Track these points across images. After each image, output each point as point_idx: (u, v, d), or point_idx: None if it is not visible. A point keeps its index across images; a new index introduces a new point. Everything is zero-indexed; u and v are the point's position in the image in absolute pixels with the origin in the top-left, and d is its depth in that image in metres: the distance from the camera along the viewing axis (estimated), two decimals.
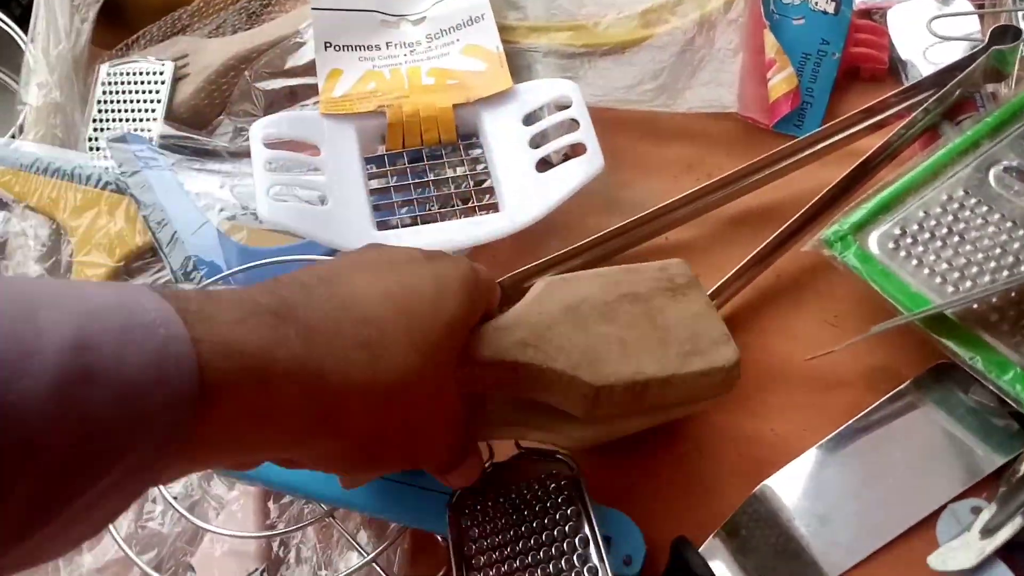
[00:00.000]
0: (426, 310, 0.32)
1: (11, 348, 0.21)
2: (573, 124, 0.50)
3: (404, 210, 0.50)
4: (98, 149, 0.55)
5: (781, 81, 0.51)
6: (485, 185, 0.51)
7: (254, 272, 0.48)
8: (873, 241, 0.43)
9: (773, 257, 0.47)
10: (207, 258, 0.50)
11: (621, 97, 0.53)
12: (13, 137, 0.55)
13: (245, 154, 0.53)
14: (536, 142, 0.51)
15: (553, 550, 0.36)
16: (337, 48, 0.54)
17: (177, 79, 0.57)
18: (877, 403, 0.43)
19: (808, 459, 0.42)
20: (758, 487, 0.42)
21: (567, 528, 0.36)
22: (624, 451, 0.43)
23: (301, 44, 0.55)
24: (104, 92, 0.57)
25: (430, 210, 0.51)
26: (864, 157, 0.47)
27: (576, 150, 0.50)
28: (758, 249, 0.46)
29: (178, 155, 0.54)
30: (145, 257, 0.51)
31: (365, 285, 0.31)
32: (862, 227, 0.44)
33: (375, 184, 0.51)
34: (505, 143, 0.51)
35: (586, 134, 0.49)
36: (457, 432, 0.35)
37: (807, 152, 0.49)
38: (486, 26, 0.54)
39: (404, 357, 0.30)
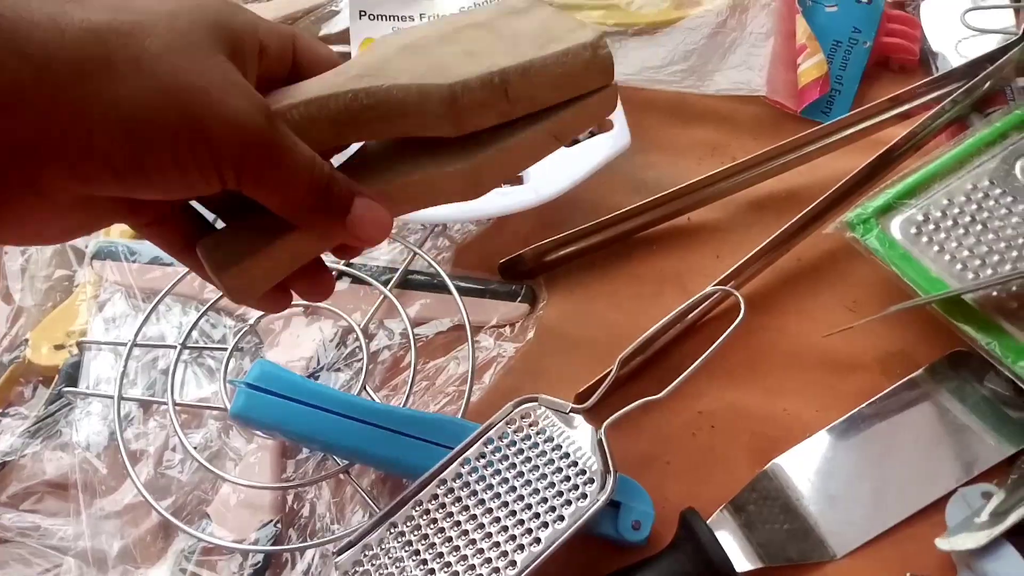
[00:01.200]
0: None
1: None
2: None
3: None
4: None
5: (811, 67, 0.51)
6: None
7: None
8: (896, 226, 0.43)
9: (794, 241, 0.47)
10: None
11: (650, 77, 0.53)
12: None
13: None
14: None
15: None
16: (372, 17, 0.55)
17: None
18: (891, 388, 0.43)
19: (820, 439, 0.43)
20: (768, 464, 0.42)
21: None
22: (637, 422, 0.43)
23: (336, 12, 0.56)
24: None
25: None
26: (889, 145, 0.47)
27: (603, 126, 0.50)
28: (779, 231, 0.47)
29: None
30: None
31: None
32: (885, 211, 0.44)
33: None
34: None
35: (615, 110, 0.50)
36: (255, 103, 0.28)
37: (833, 138, 0.50)
38: None
39: (113, 12, 0.26)
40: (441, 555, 0.36)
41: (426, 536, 0.37)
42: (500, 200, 0.49)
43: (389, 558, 0.37)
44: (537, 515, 0.36)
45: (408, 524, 0.38)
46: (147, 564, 0.43)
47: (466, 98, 0.31)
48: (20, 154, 0.25)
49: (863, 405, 0.43)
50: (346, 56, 0.56)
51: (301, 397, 0.41)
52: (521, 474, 0.38)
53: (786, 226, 0.46)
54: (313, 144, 0.30)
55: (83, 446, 0.45)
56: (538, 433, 0.39)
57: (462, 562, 0.36)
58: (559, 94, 0.33)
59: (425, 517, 0.38)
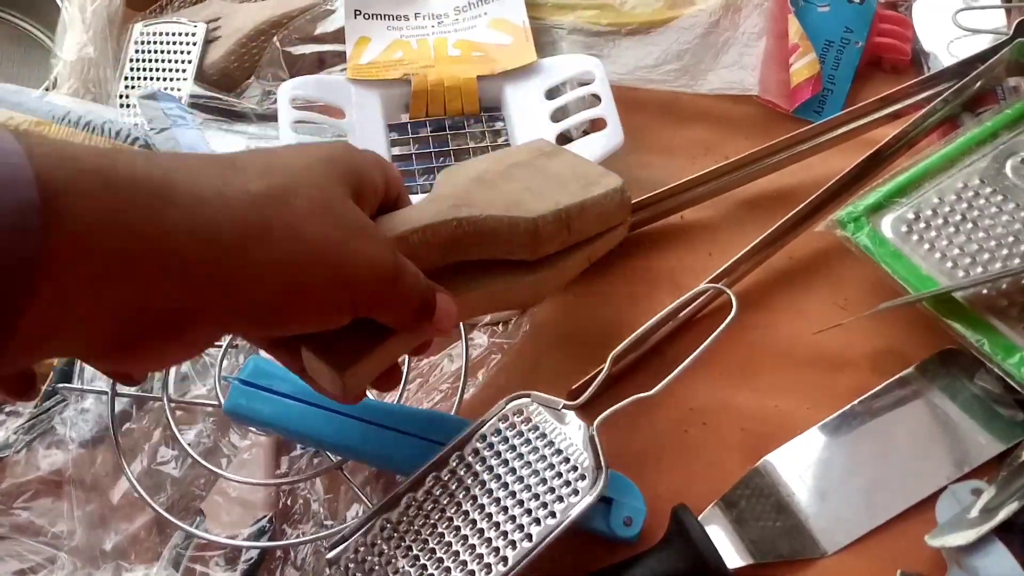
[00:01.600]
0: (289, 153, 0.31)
1: None
2: (595, 100, 0.51)
3: (424, 178, 0.51)
4: (129, 106, 0.57)
5: (803, 67, 0.51)
6: None
7: None
8: (887, 224, 0.44)
9: (786, 239, 0.47)
10: None
11: (643, 76, 0.53)
12: (47, 90, 0.56)
13: (272, 117, 0.54)
14: (557, 116, 0.52)
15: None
16: (367, 16, 0.55)
17: (208, 41, 0.58)
18: (882, 385, 0.43)
19: (810, 437, 0.43)
20: (760, 461, 0.42)
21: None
22: (630, 419, 0.43)
23: (330, 12, 0.56)
24: (137, 51, 0.58)
25: None
26: (880, 144, 0.48)
27: (596, 125, 0.51)
28: (771, 230, 0.47)
29: (206, 115, 0.55)
30: None
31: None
32: (876, 210, 0.44)
33: (397, 151, 0.52)
34: (527, 116, 0.52)
35: (607, 109, 0.50)
36: (383, 243, 0.31)
37: (825, 137, 0.50)
38: (514, 0, 0.55)
39: (263, 177, 0.28)
40: (433, 551, 0.37)
41: (418, 532, 0.37)
42: None
43: (381, 554, 0.37)
44: (529, 511, 0.37)
45: (400, 519, 0.38)
46: (141, 560, 0.43)
47: (544, 230, 0.38)
48: (178, 316, 0.27)
49: (854, 402, 0.43)
50: (336, 55, 0.56)
51: (295, 394, 0.41)
52: (513, 470, 0.38)
53: (778, 224, 0.46)
54: (423, 263, 0.34)
55: (77, 442, 0.45)
56: (531, 429, 0.39)
57: (453, 558, 0.36)
58: (598, 227, 0.41)
59: (417, 512, 0.38)
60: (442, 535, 0.37)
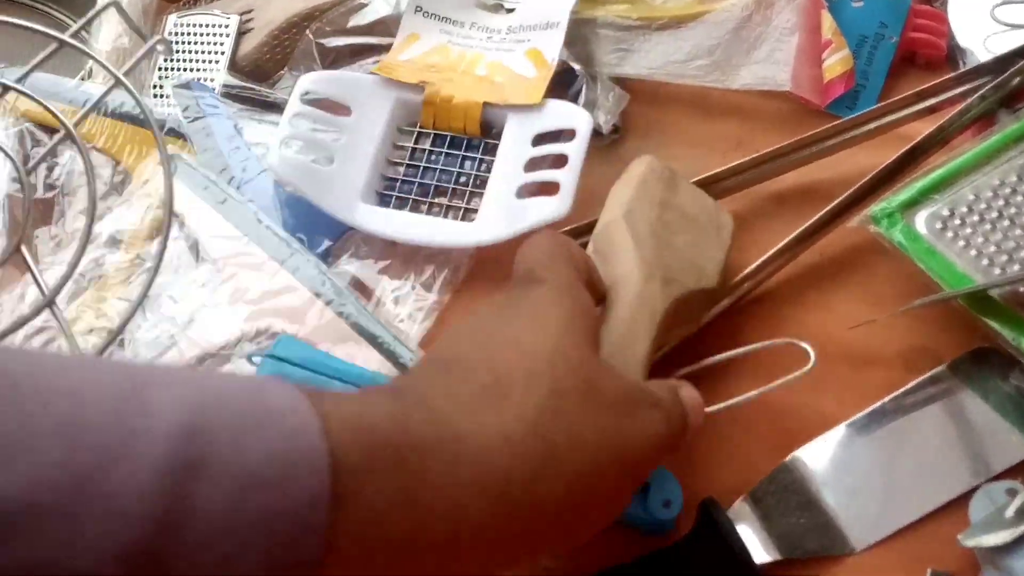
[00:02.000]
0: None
1: (113, 428, 0.18)
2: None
3: (404, 189, 0.52)
4: (163, 96, 0.57)
5: (836, 62, 0.51)
6: (479, 190, 0.51)
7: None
8: (921, 220, 0.43)
9: (818, 236, 0.47)
10: (262, 204, 0.51)
11: (674, 71, 0.53)
12: (83, 80, 0.57)
13: None
14: (529, 166, 0.50)
15: None
16: (426, 14, 0.55)
17: (241, 33, 0.58)
18: (914, 383, 0.43)
19: (839, 433, 0.43)
20: (788, 457, 0.42)
21: None
22: None
23: (364, 5, 0.57)
24: (171, 41, 0.59)
25: (422, 197, 0.52)
26: (916, 141, 0.47)
27: (550, 188, 0.49)
28: (803, 228, 0.46)
29: (239, 105, 0.55)
30: None
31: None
32: (910, 206, 0.44)
33: (393, 157, 0.52)
34: (511, 156, 0.50)
35: (568, 175, 0.48)
36: (649, 401, 0.31)
37: (856, 132, 0.49)
38: (556, 35, 0.53)
39: (530, 388, 0.27)
40: None
41: None
42: (440, 232, 0.50)
43: None
44: None
45: None
46: None
47: (720, 292, 0.43)
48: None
49: (885, 400, 0.43)
50: (370, 48, 0.57)
51: (325, 370, 0.42)
52: None
53: (811, 221, 0.46)
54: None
55: None
56: None
57: None
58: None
59: None
60: None
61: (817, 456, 0.42)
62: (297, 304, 0.48)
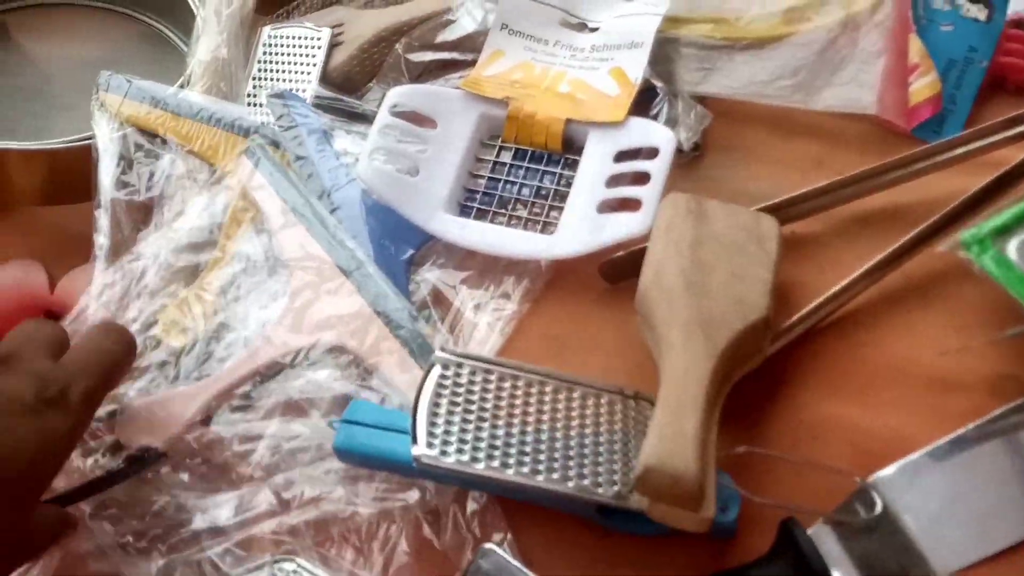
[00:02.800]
0: None
1: None
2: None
3: (485, 201, 0.53)
4: (257, 105, 0.60)
5: (924, 86, 0.51)
6: (559, 204, 0.52)
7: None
8: (1013, 248, 0.43)
9: (903, 259, 0.47)
10: (350, 212, 0.53)
11: (757, 91, 0.54)
12: (182, 87, 0.60)
13: None
14: (611, 183, 0.51)
15: None
16: (511, 32, 0.57)
17: (332, 45, 0.61)
18: (1001, 410, 0.43)
19: (923, 457, 0.42)
20: (869, 478, 0.42)
21: None
22: (741, 429, 0.44)
23: (451, 21, 0.58)
24: (264, 53, 0.61)
25: (501, 208, 0.53)
26: (1008, 167, 0.47)
27: (631, 205, 0.49)
28: (889, 251, 0.46)
29: (329, 116, 0.57)
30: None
31: None
32: (1002, 232, 0.43)
33: (475, 169, 0.54)
34: (592, 172, 0.51)
35: (651, 192, 0.48)
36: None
37: (944, 157, 0.49)
38: (640, 55, 0.54)
39: None
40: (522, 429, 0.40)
41: (512, 407, 0.41)
42: (519, 243, 0.51)
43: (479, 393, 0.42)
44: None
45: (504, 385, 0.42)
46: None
47: (773, 316, 0.43)
48: None
49: (970, 426, 0.43)
50: (456, 63, 0.58)
51: (397, 428, 0.42)
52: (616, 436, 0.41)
53: (897, 244, 0.46)
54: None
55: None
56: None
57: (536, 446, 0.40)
58: None
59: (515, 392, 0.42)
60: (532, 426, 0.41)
61: (899, 479, 0.42)
62: (358, 321, 0.49)
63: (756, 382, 0.45)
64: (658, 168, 0.49)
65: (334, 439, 0.43)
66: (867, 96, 0.52)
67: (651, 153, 0.50)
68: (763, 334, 0.42)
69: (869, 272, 0.46)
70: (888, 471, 0.42)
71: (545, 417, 0.41)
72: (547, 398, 0.42)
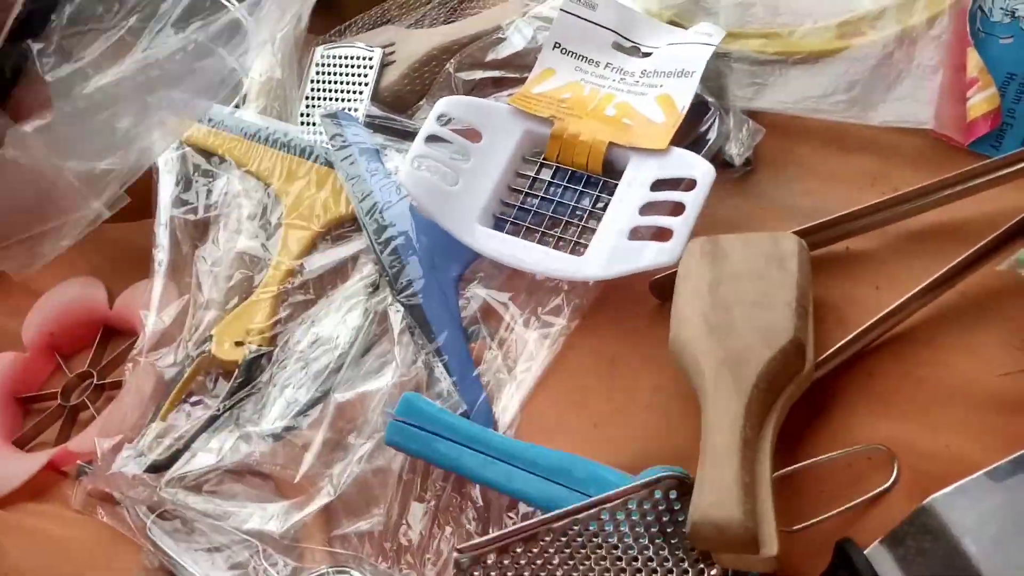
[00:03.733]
0: None
1: None
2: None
3: (520, 216, 0.53)
4: (310, 124, 0.61)
5: (982, 101, 0.50)
6: (592, 226, 0.52)
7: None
8: None
9: (961, 276, 0.46)
10: (401, 228, 0.54)
11: (811, 106, 0.53)
12: (237, 107, 0.61)
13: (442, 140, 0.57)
14: (645, 211, 0.51)
15: None
16: (563, 51, 0.57)
17: (384, 65, 0.62)
18: None
19: (983, 479, 0.41)
20: (928, 500, 0.41)
21: None
22: (796, 445, 0.43)
23: (501, 40, 0.59)
24: (317, 72, 0.63)
25: (536, 225, 0.53)
26: None
27: (663, 234, 0.49)
28: (947, 268, 0.45)
29: (381, 135, 0.58)
30: (346, 225, 0.56)
31: None
32: None
33: (514, 184, 0.54)
34: (628, 198, 0.51)
35: (683, 224, 0.48)
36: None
37: (1003, 172, 0.48)
38: (689, 84, 0.54)
39: None
40: None
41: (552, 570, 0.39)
42: (548, 261, 0.51)
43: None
44: None
45: (535, 552, 0.40)
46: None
47: (802, 337, 0.42)
48: None
49: None
50: (506, 80, 0.59)
51: (442, 431, 0.44)
52: (654, 552, 0.40)
53: (955, 261, 0.45)
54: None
55: (261, 435, 0.49)
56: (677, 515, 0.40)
57: None
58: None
59: (552, 551, 0.40)
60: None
61: (958, 501, 0.41)
62: None
63: (810, 404, 0.45)
64: (693, 200, 0.49)
65: (385, 433, 0.44)
66: (924, 111, 0.51)
67: (690, 184, 0.50)
68: (798, 355, 0.42)
69: (925, 290, 0.45)
70: (947, 492, 0.41)
71: (591, 563, 0.40)
72: (581, 542, 0.40)
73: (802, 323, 0.42)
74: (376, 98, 0.61)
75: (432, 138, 0.54)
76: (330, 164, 0.57)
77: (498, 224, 0.54)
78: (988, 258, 0.46)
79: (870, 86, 0.52)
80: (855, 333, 0.45)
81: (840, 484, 0.43)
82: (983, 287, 0.47)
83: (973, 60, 0.51)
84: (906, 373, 0.45)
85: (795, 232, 0.49)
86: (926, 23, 0.52)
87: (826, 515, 0.41)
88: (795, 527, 0.41)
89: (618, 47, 0.58)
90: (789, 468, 0.42)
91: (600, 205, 0.53)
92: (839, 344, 0.45)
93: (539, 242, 0.53)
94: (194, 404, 0.52)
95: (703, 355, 0.41)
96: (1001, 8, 0.52)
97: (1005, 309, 0.46)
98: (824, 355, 0.45)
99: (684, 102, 0.53)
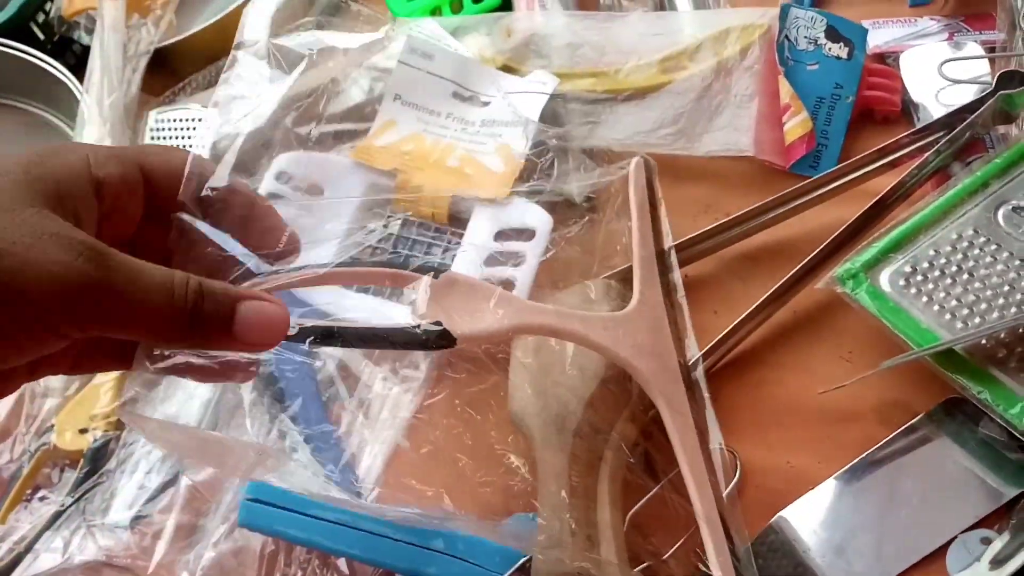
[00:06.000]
0: None
1: None
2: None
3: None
4: None
5: (796, 125, 0.53)
6: None
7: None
8: (884, 279, 0.45)
9: (790, 295, 0.49)
10: None
11: (642, 141, 0.55)
12: None
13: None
14: (491, 261, 0.51)
15: None
16: (404, 103, 0.57)
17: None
18: (890, 436, 0.44)
19: (823, 491, 0.44)
20: (774, 517, 0.43)
21: None
22: (643, 481, 0.44)
23: (338, 92, 0.58)
24: (152, 138, 0.61)
25: None
26: (878, 196, 0.49)
27: (506, 285, 0.50)
28: (775, 288, 0.48)
29: None
30: None
31: None
32: (873, 265, 0.45)
33: (359, 238, 0.54)
34: (473, 249, 0.52)
35: (524, 274, 0.50)
36: (74, 246, 0.27)
37: (822, 191, 0.51)
38: (526, 132, 0.55)
39: None
40: None
41: None
42: (392, 315, 0.51)
43: None
44: None
45: None
46: None
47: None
48: None
49: (864, 454, 0.44)
50: (348, 133, 0.58)
51: (295, 506, 0.43)
52: None
53: (780, 282, 0.47)
54: None
55: (110, 527, 0.46)
56: None
57: None
58: None
59: None
60: None
61: (802, 515, 0.43)
62: None
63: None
64: (532, 250, 0.50)
65: (238, 515, 0.43)
66: (744, 139, 0.53)
67: (530, 235, 0.51)
68: (618, 387, 0.43)
69: (756, 311, 0.47)
70: (791, 508, 0.43)
71: None
72: None
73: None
74: (216, 160, 0.59)
75: (272, 195, 0.53)
76: None
77: None
78: (811, 276, 0.48)
79: (694, 118, 0.54)
80: (695, 358, 0.47)
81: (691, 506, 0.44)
82: (812, 303, 0.50)
83: (784, 87, 0.53)
84: (747, 394, 0.47)
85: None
86: (739, 54, 0.55)
87: (680, 541, 0.42)
88: (645, 563, 0.41)
89: (458, 96, 0.58)
90: (640, 502, 0.43)
91: (450, 255, 0.53)
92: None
93: (389, 297, 0.52)
94: (40, 500, 0.50)
95: (530, 419, 0.42)
96: (806, 37, 0.55)
97: (832, 323, 0.49)
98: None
99: (521, 151, 0.54)
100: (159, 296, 0.28)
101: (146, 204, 0.32)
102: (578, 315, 0.39)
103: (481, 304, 0.36)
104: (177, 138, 0.60)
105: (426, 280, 0.36)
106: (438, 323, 0.34)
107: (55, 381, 0.52)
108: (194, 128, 0.60)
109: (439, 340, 0.34)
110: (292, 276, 0.33)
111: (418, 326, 0.34)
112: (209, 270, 0.31)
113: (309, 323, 0.32)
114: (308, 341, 0.32)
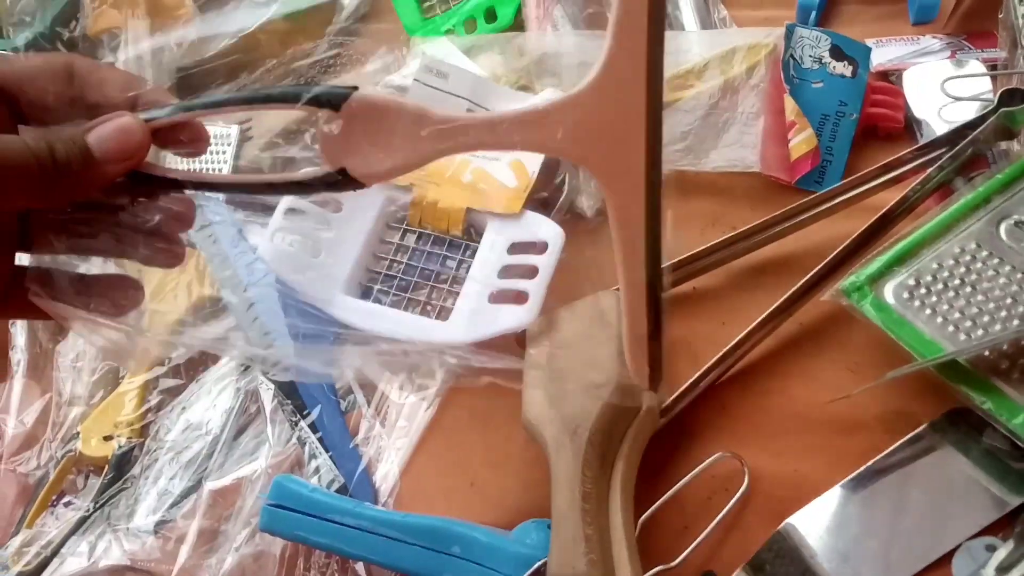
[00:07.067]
0: None
1: None
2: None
3: (386, 283, 0.55)
4: None
5: (801, 142, 0.54)
6: (456, 291, 0.53)
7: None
8: (889, 291, 0.46)
9: (796, 307, 0.50)
10: (267, 306, 0.54)
11: None
12: None
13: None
14: (503, 274, 0.53)
15: None
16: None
17: (242, 141, 0.62)
18: (895, 445, 0.45)
19: (830, 498, 0.45)
20: (782, 524, 0.44)
21: None
22: (654, 489, 0.45)
23: None
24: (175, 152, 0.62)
25: (402, 292, 0.54)
26: (882, 211, 0.50)
27: (520, 297, 0.51)
28: (781, 300, 0.49)
29: (243, 212, 0.58)
30: (212, 306, 0.56)
31: None
32: (878, 278, 0.46)
33: (380, 252, 0.55)
34: (488, 261, 0.53)
35: (537, 286, 0.51)
36: None
37: (827, 205, 0.52)
38: None
39: None
40: None
41: None
42: (413, 328, 0.52)
43: None
44: None
45: None
46: None
47: (623, 380, 0.43)
48: None
49: (869, 463, 0.45)
50: None
51: (317, 511, 0.44)
52: None
53: (787, 294, 0.49)
54: None
55: (134, 532, 0.48)
56: None
57: None
58: None
59: None
60: None
61: (809, 522, 0.44)
62: None
63: (669, 439, 0.47)
64: (545, 263, 0.51)
65: (259, 520, 0.44)
66: (751, 155, 0.55)
67: (543, 247, 0.52)
68: (629, 398, 0.44)
69: (763, 323, 0.49)
70: (799, 515, 0.44)
71: None
72: None
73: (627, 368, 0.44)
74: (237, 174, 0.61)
75: (291, 211, 0.55)
76: (191, 244, 0.57)
77: (365, 292, 0.55)
78: (816, 288, 0.50)
79: (701, 135, 0.56)
80: (704, 368, 0.48)
81: (700, 513, 0.45)
82: (819, 316, 0.51)
83: (790, 105, 0.55)
84: (754, 403, 0.48)
85: None
86: (746, 73, 0.56)
87: (691, 547, 0.43)
88: (658, 568, 0.42)
89: (472, 110, 0.60)
90: (651, 508, 0.44)
91: (464, 268, 0.54)
92: (690, 380, 0.48)
93: (405, 308, 0.54)
94: (66, 506, 0.51)
95: (545, 427, 0.43)
96: (810, 56, 0.56)
97: (837, 334, 0.50)
98: (678, 392, 0.48)
99: (534, 167, 0.56)
100: (18, 157, 0.29)
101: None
102: (509, 116, 0.33)
103: (395, 130, 0.33)
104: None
105: (322, 115, 0.33)
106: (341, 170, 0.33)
107: (80, 389, 0.54)
108: (216, 143, 0.62)
109: (330, 183, 0.33)
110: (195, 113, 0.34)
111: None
112: None
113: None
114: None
